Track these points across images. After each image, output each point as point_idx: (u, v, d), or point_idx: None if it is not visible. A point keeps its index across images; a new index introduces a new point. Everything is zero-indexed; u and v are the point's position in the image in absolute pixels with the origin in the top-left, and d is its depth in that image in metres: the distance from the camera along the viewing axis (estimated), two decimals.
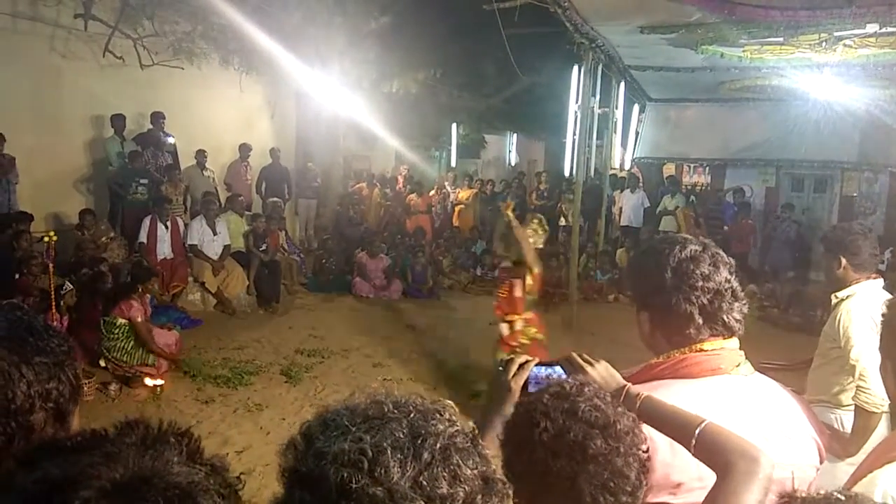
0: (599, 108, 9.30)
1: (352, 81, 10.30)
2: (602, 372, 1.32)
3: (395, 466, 0.73)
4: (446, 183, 13.23)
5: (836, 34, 6.26)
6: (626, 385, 1.30)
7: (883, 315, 1.56)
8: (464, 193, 12.76)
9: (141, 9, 8.43)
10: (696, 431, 1.19)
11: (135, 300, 5.64)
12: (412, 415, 0.79)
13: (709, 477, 1.19)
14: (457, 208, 12.59)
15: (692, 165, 13.53)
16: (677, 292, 1.41)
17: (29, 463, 0.70)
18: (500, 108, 15.07)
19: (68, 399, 0.99)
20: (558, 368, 1.32)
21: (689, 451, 1.20)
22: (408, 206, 12.35)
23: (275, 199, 10.04)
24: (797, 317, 8.46)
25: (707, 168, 13.15)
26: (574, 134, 8.85)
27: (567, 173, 10.92)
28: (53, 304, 5.51)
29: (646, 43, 7.35)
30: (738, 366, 1.44)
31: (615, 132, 10.61)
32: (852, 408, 2.71)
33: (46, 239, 5.68)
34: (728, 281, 1.43)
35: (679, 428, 1.22)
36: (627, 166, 12.37)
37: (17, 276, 6.02)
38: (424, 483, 0.73)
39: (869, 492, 1.26)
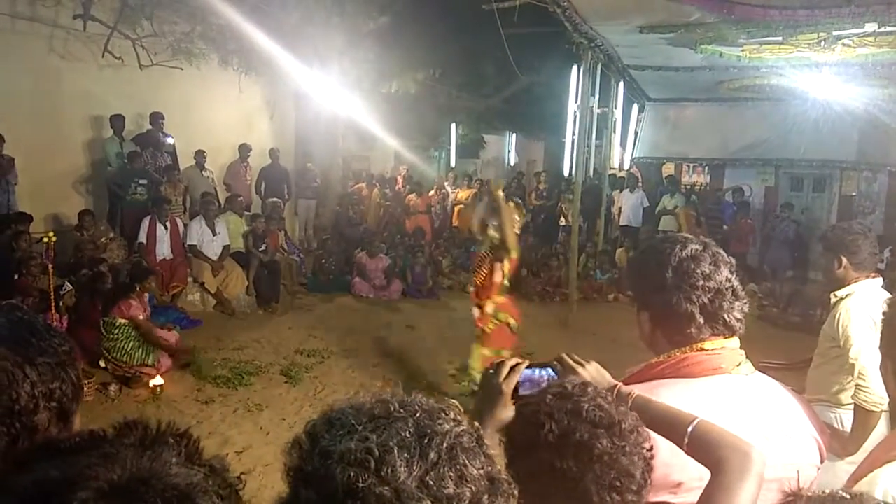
0: (598, 107, 9.31)
1: (351, 81, 10.29)
2: (592, 372, 1.32)
3: (401, 466, 0.73)
4: (446, 183, 13.24)
5: (834, 33, 6.26)
6: (616, 385, 1.30)
7: (884, 314, 1.55)
8: (463, 193, 12.76)
9: (140, 9, 8.42)
10: (688, 429, 1.20)
11: (133, 300, 5.64)
12: (418, 414, 0.79)
13: (708, 476, 1.19)
14: (456, 208, 12.59)
15: (691, 165, 13.53)
16: (678, 292, 1.41)
17: (26, 464, 0.70)
18: (500, 108, 15.08)
19: (71, 399, 0.99)
20: (549, 370, 1.32)
21: (682, 448, 1.20)
22: (407, 206, 12.34)
23: (274, 199, 10.03)
24: (796, 316, 8.47)
25: (706, 168, 13.14)
26: (573, 134, 8.87)
27: (566, 173, 10.94)
28: (53, 304, 5.51)
29: (645, 42, 7.35)
30: (738, 365, 1.44)
31: (614, 132, 10.62)
32: (852, 407, 2.71)
33: (46, 240, 5.68)
34: (729, 280, 1.43)
35: (671, 426, 1.22)
36: (627, 166, 12.38)
37: (16, 276, 6.03)
38: (431, 483, 0.73)
39: (870, 491, 1.26)
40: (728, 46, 7.11)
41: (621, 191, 11.94)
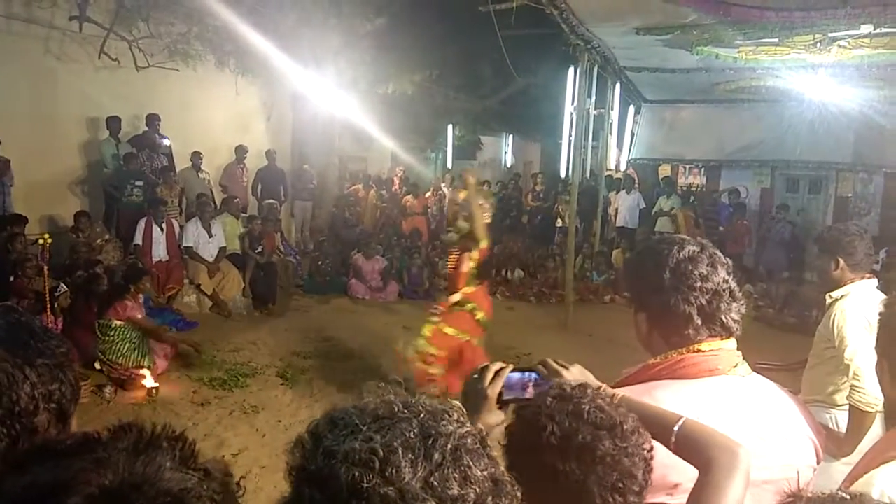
0: (595, 109, 9.33)
1: (348, 83, 10.29)
2: (577, 374, 1.32)
3: (406, 466, 0.73)
4: (442, 184, 13.23)
5: (830, 35, 6.29)
6: (601, 387, 1.31)
7: (880, 314, 1.55)
8: (462, 194, 12.73)
9: (136, 10, 8.40)
10: (675, 429, 1.20)
11: (128, 301, 5.62)
12: (422, 415, 0.79)
13: None
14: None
15: (687, 166, 13.57)
16: (676, 293, 1.41)
17: (19, 467, 0.70)
18: (496, 110, 15.10)
19: (69, 400, 1.00)
20: (533, 374, 1.32)
21: (669, 448, 1.21)
22: (404, 207, 12.34)
23: (271, 200, 10.02)
24: (792, 317, 8.49)
25: (702, 169, 13.18)
26: (570, 135, 8.88)
27: (563, 174, 10.97)
28: (48, 306, 5.50)
29: (641, 44, 7.37)
30: (735, 366, 1.44)
31: (611, 133, 10.66)
32: (847, 407, 2.71)
33: (41, 241, 5.66)
34: (726, 281, 1.43)
35: (657, 426, 1.22)
36: (623, 167, 12.41)
37: (11, 278, 6.01)
38: (435, 484, 0.73)
39: (866, 492, 1.26)
40: (724, 48, 7.14)
41: (618, 192, 11.96)
